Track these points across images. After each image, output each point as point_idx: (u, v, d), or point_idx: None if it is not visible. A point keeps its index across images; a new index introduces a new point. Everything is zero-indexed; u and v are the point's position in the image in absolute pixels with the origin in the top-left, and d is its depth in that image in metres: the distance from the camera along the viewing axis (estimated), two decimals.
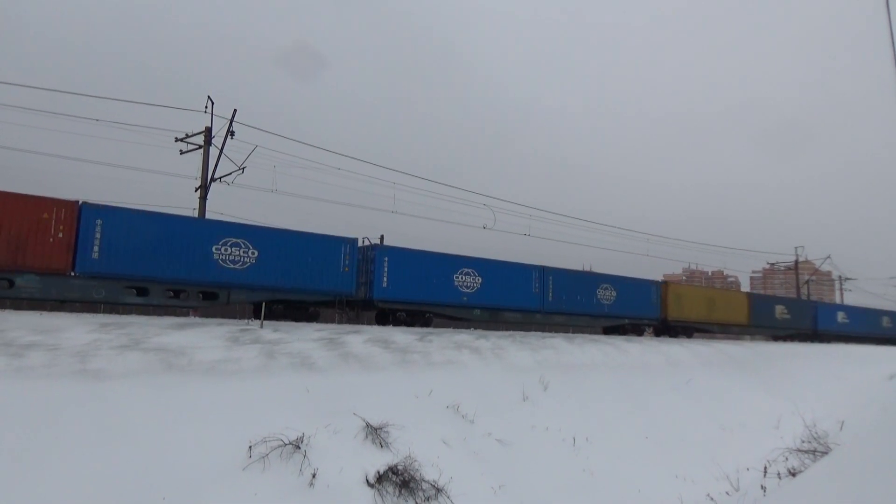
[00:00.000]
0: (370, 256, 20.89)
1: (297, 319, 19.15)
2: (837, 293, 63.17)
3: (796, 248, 53.80)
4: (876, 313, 50.09)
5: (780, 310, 38.13)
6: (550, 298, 25.65)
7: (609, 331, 28.81)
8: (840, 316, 44.46)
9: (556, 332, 26.56)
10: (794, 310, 39.77)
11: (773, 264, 58.87)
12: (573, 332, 27.11)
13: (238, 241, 17.72)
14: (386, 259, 20.98)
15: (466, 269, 23.07)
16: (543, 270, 25.54)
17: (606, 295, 27.81)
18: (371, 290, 20.55)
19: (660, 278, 50.03)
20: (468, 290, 23.01)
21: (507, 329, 24.88)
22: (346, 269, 19.93)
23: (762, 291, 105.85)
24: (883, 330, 48.81)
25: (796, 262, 54.24)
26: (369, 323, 21.60)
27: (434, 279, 22.06)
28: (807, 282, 54.83)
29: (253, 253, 17.93)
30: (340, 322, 21.70)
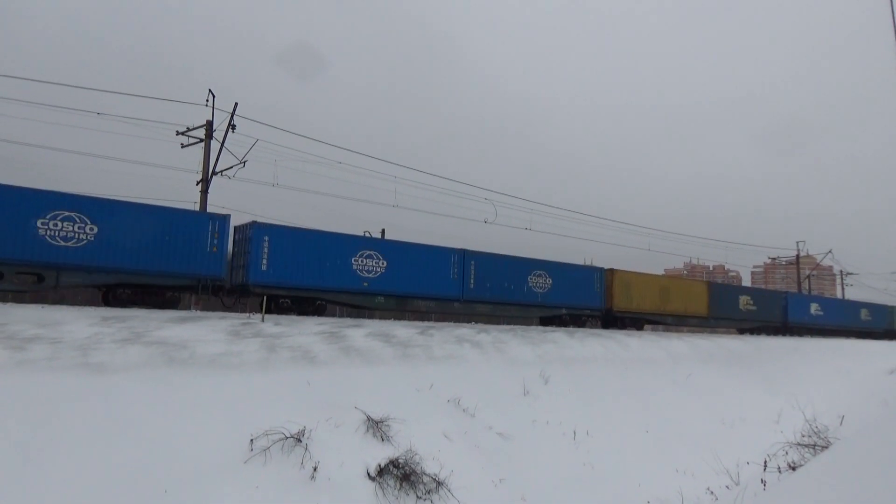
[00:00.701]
0: (247, 236, 18.74)
1: (150, 306, 17.35)
2: (839, 288, 63.19)
3: (797, 242, 53.89)
4: (854, 305, 48.16)
5: (744, 300, 36.13)
6: (472, 286, 23.46)
7: (546, 322, 26.76)
8: (813, 308, 42.08)
9: (479, 322, 24.86)
10: (761, 301, 37.70)
11: (774, 259, 58.89)
12: (507, 323, 25.41)
13: (71, 214, 15.62)
14: (266, 239, 18.75)
15: (368, 252, 20.85)
16: (464, 254, 23.44)
17: (540, 282, 25.65)
18: (247, 274, 18.42)
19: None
20: (370, 275, 20.70)
21: (417, 319, 23.41)
22: (214, 249, 17.86)
23: (763, 286, 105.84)
24: (862, 322, 46.84)
25: (797, 256, 54.25)
26: (254, 310, 19.45)
27: (328, 262, 19.85)
28: (808, 276, 54.84)
29: (91, 229, 15.86)
30: (198, 309, 20.24)
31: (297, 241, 19.44)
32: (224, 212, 18.60)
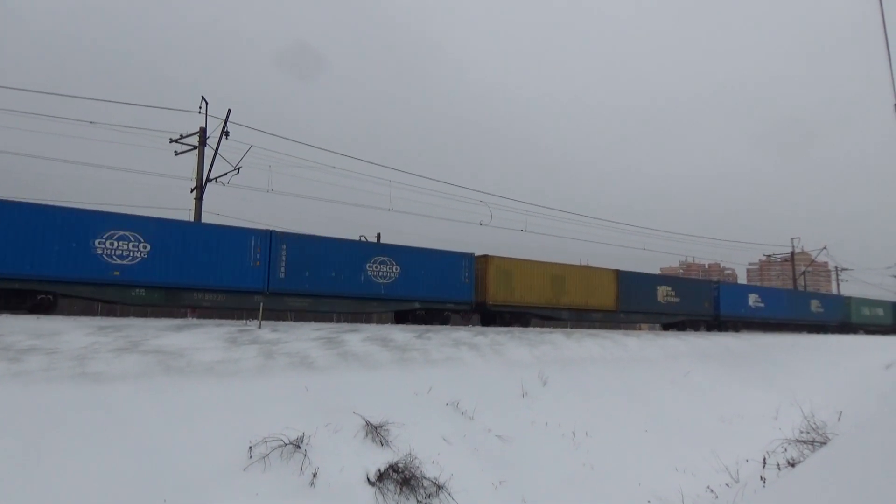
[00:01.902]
0: None
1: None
2: (834, 284, 63.44)
3: (792, 239, 54.04)
4: (803, 296, 43.98)
5: (664, 292, 31.66)
6: (282, 275, 19.24)
7: (399, 318, 22.97)
8: (752, 299, 37.40)
9: (297, 319, 22.08)
10: (686, 291, 32.97)
11: (769, 256, 59.10)
12: (340, 321, 23.22)
13: None
14: None
15: (121, 233, 16.47)
16: (271, 236, 19.21)
17: (384, 271, 21.34)
18: None
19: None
20: (126, 262, 16.47)
21: (200, 315, 20.35)
22: None
23: (759, 283, 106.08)
24: (813, 315, 42.18)
25: (792, 253, 54.43)
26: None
27: (57, 246, 15.51)
28: (803, 273, 55.04)
29: None
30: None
31: (8, 220, 15.13)
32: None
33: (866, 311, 47.77)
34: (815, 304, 42.80)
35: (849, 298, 46.96)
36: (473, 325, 24.33)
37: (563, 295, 26.64)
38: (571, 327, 27.85)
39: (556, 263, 26.73)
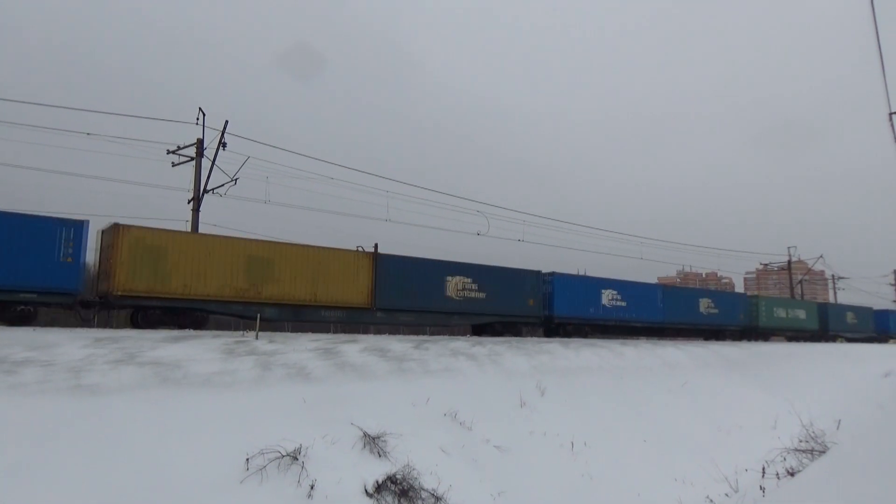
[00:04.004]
0: None
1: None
2: (831, 292, 63.55)
3: (789, 248, 54.11)
4: (689, 293, 35.49)
5: (458, 284, 23.68)
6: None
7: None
8: (607, 297, 28.98)
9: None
10: (496, 285, 24.78)
11: (766, 265, 59.21)
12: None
13: None
14: None
15: None
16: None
17: None
18: None
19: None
20: None
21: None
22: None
23: (755, 292, 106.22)
24: (703, 317, 33.93)
25: (789, 262, 54.54)
26: None
27: None
28: (800, 282, 55.14)
29: None
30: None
31: None
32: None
33: (781, 314, 40.00)
34: (705, 304, 34.27)
35: (756, 297, 39.76)
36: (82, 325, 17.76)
37: (270, 284, 19.38)
38: (290, 330, 24.09)
39: (257, 240, 19.89)
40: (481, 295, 24.22)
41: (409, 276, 22.40)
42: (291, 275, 19.89)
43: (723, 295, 38.53)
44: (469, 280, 23.87)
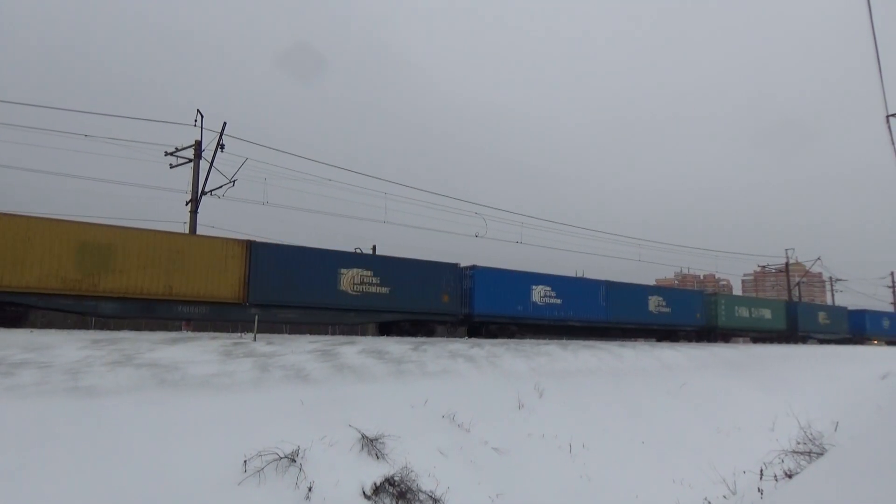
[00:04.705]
0: None
1: None
2: (828, 294, 63.69)
3: (787, 250, 54.18)
4: (640, 290, 31.34)
5: (353, 277, 21.04)
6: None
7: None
8: (538, 293, 25.87)
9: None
10: (398, 277, 22.08)
11: (763, 267, 59.36)
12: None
13: None
14: None
15: None
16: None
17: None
18: None
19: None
20: None
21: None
22: None
23: (753, 294, 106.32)
24: (652, 316, 30.99)
25: (787, 264, 54.62)
26: None
27: None
28: (798, 284, 55.23)
29: None
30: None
31: None
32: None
33: (743, 313, 36.97)
34: (655, 302, 31.23)
35: (715, 295, 36.42)
36: None
37: (111, 275, 16.65)
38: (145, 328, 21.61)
39: (93, 224, 16.79)
40: (384, 290, 21.60)
41: (294, 267, 19.80)
42: (139, 265, 17.04)
43: (676, 292, 34.90)
44: (369, 273, 21.32)
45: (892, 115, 11.10)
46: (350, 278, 20.88)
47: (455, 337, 23.54)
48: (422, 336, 22.19)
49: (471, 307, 23.97)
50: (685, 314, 32.80)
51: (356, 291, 20.97)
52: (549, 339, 26.08)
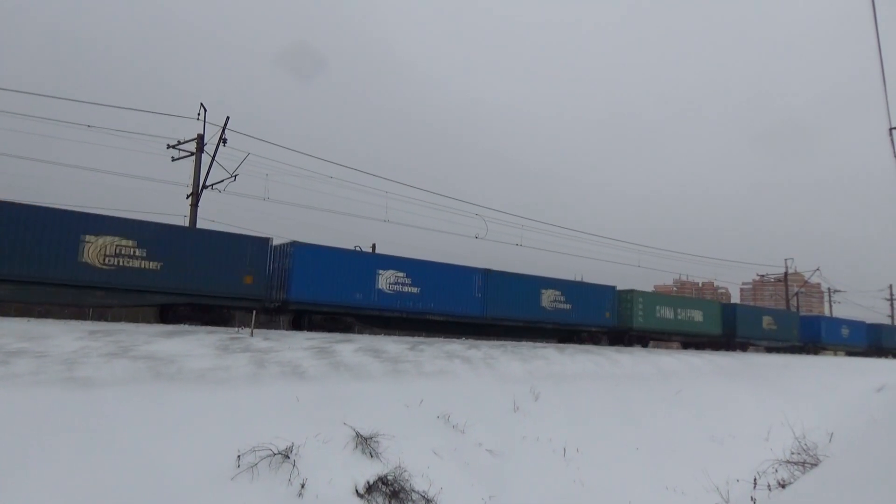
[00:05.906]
0: None
1: None
2: (827, 305, 63.69)
3: (786, 259, 54.23)
4: (530, 281, 26.27)
5: (103, 248, 16.62)
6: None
7: None
8: (386, 280, 21.74)
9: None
10: (175, 251, 17.73)
11: (762, 276, 59.32)
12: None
13: None
14: None
15: None
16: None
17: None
18: None
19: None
20: None
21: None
22: None
23: (752, 303, 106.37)
24: (544, 313, 26.42)
25: (786, 273, 54.63)
26: None
27: None
28: (796, 294, 55.21)
29: None
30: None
31: None
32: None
33: (666, 314, 32.13)
34: (550, 297, 26.64)
35: (630, 292, 30.88)
36: None
37: None
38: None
39: None
40: (153, 265, 17.34)
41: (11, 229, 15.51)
42: None
43: (579, 286, 28.94)
44: (129, 243, 17.02)
45: (895, 128, 11.09)
46: (97, 249, 16.62)
47: (277, 329, 20.83)
48: (213, 326, 18.19)
49: (287, 292, 19.71)
50: (590, 312, 28.23)
51: (109, 266, 16.75)
52: (401, 335, 21.78)
